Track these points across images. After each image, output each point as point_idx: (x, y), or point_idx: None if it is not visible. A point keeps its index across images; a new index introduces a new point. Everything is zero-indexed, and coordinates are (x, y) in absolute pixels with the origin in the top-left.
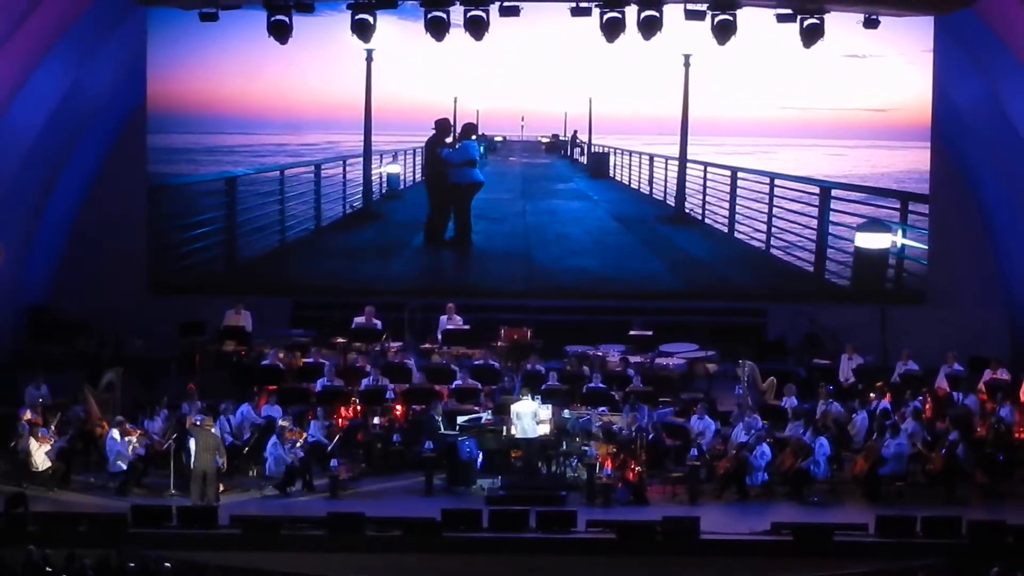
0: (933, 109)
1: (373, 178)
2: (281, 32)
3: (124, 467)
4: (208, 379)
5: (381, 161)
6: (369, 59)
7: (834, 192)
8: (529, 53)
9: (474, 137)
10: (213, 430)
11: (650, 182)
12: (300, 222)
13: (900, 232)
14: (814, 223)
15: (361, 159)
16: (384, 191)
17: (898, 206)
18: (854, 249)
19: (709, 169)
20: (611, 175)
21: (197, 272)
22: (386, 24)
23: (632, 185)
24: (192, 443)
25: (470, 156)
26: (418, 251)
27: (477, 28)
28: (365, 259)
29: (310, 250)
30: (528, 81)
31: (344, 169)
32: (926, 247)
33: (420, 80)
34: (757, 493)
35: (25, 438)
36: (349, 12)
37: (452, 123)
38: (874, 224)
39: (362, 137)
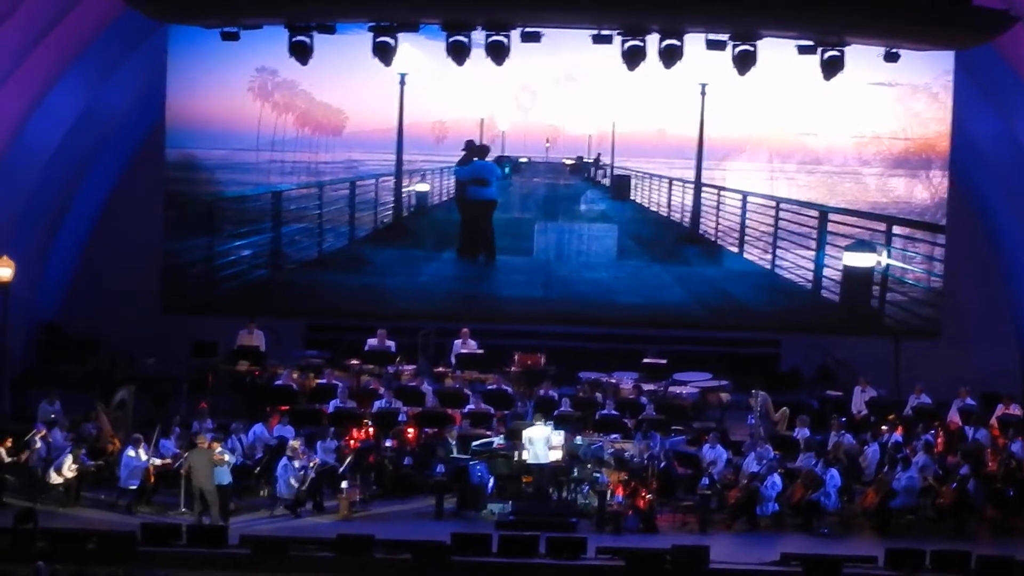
0: (951, 144)
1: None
2: (302, 53)
3: (136, 484)
4: (221, 399)
5: (410, 180)
6: (402, 83)
7: (849, 218)
8: (555, 76)
9: (489, 158)
10: (220, 451)
11: (668, 204)
12: (336, 236)
13: (885, 253)
14: (814, 244)
15: (385, 177)
16: (412, 208)
17: (907, 233)
18: (843, 267)
19: (722, 192)
20: (632, 197)
21: (225, 289)
22: (413, 46)
23: (651, 207)
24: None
25: (478, 175)
26: (445, 262)
27: (498, 53)
28: (394, 270)
29: (342, 263)
30: (553, 104)
31: (376, 187)
32: (910, 267)
33: (446, 101)
34: (767, 524)
35: (34, 453)
36: (371, 34)
37: (476, 144)
38: (861, 244)
39: (381, 155)
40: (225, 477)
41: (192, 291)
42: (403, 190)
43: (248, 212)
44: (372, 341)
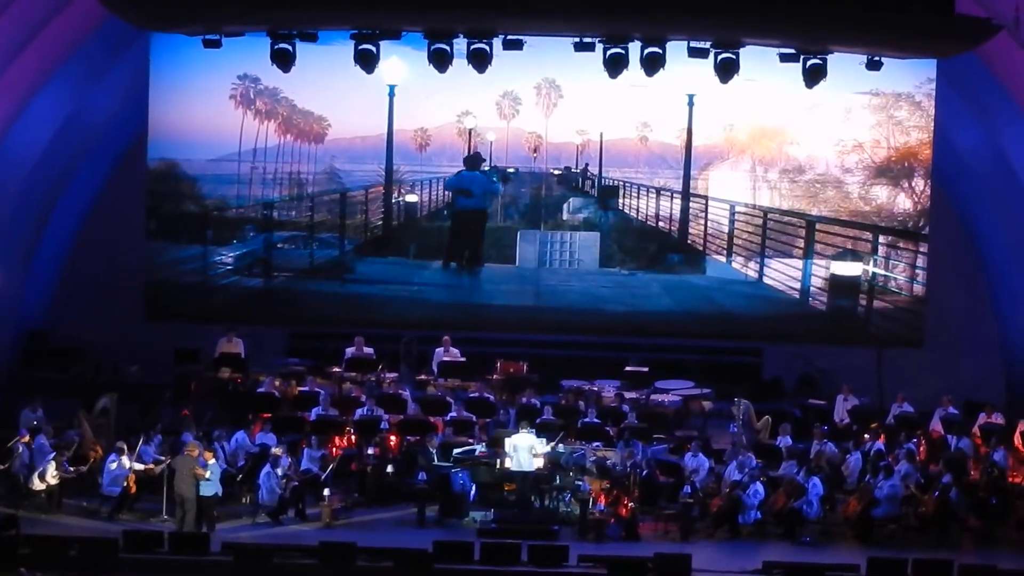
0: (933, 152)
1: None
2: (284, 60)
3: (118, 491)
4: (203, 406)
5: (398, 190)
6: (391, 94)
7: (834, 227)
8: (539, 85)
9: (485, 169)
10: (212, 462)
11: (656, 214)
12: (326, 247)
13: (872, 262)
14: (800, 253)
15: (373, 188)
16: (402, 218)
17: (891, 241)
18: (830, 276)
19: (708, 202)
20: (620, 207)
21: (216, 297)
22: (396, 56)
23: (639, 217)
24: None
25: (462, 186)
26: (435, 272)
27: (480, 61)
28: (384, 279)
29: (332, 272)
30: (538, 113)
31: (366, 197)
32: (893, 276)
33: (429, 110)
34: (749, 532)
35: (18, 458)
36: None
37: (468, 154)
38: (848, 254)
39: (364, 164)
40: (207, 489)
41: (180, 300)
42: (392, 200)
43: (238, 222)
44: (350, 350)
